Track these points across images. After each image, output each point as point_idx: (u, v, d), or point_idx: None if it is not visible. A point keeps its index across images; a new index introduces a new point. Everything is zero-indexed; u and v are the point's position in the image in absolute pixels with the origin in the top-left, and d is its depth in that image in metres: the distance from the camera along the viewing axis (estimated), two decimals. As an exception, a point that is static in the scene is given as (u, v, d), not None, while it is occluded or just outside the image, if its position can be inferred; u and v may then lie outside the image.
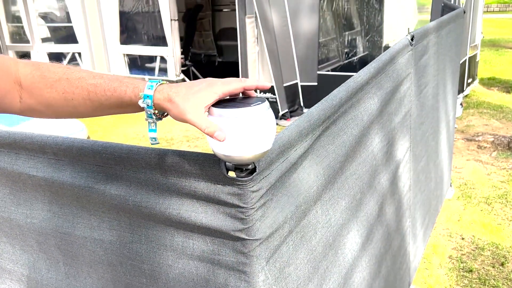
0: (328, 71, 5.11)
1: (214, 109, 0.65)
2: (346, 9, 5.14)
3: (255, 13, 4.56)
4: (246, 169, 0.70)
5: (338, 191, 1.07)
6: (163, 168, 0.77)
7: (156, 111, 0.68)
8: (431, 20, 4.40)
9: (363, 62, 5.49)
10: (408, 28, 1.73)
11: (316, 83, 4.98)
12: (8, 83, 0.72)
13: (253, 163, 0.70)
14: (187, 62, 6.21)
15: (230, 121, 0.64)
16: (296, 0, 4.77)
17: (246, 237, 0.73)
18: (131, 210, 0.83)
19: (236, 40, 4.90)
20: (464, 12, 2.71)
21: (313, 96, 4.97)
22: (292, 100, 4.89)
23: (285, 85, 4.81)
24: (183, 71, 5.79)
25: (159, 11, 5.43)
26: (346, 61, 5.27)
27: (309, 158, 0.90)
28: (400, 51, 1.45)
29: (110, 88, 0.70)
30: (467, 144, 4.08)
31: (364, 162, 1.24)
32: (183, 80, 5.83)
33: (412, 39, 1.57)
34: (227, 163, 0.70)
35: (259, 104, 0.65)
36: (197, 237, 0.79)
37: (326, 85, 4.86)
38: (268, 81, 4.87)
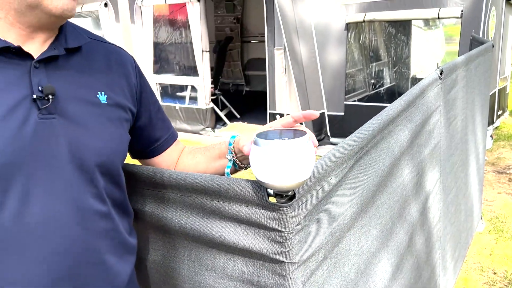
0: (354, 101, 5.17)
1: (259, 140, 0.71)
2: (373, 41, 5.22)
3: (284, 45, 4.69)
4: (286, 196, 0.75)
5: (369, 220, 1.11)
6: (208, 193, 0.83)
7: (235, 154, 0.89)
8: (459, 53, 4.43)
9: (390, 92, 5.52)
10: (438, 63, 1.78)
11: (343, 113, 5.02)
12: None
13: (293, 190, 0.75)
14: (216, 91, 6.38)
15: (273, 151, 0.70)
16: (324, 33, 4.89)
17: (285, 260, 0.78)
18: (176, 231, 0.89)
19: (263, 70, 5.03)
20: (493, 46, 2.74)
21: (339, 125, 5.02)
22: (319, 129, 4.95)
23: (312, 114, 4.87)
24: (212, 100, 5.96)
25: (191, 43, 5.65)
26: (373, 91, 5.31)
27: (343, 187, 0.95)
28: (429, 85, 1.50)
29: (215, 144, 0.98)
30: (498, 176, 4.01)
31: (395, 192, 1.27)
32: (212, 109, 5.98)
33: (441, 73, 1.61)
34: (268, 190, 0.76)
35: (300, 136, 0.71)
36: (237, 259, 0.84)
37: (353, 115, 4.90)
38: (295, 110, 4.95)
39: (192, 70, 5.83)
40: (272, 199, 0.77)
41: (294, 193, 0.76)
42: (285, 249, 0.77)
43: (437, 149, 1.68)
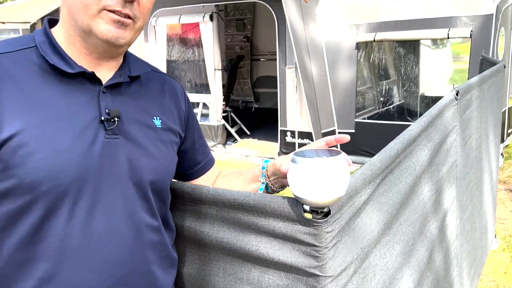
0: (364, 118, 5.21)
1: (297, 158, 0.76)
2: (383, 60, 5.30)
3: (295, 64, 4.77)
4: (322, 212, 0.80)
5: (393, 236, 1.15)
6: (245, 208, 0.88)
7: (268, 177, 0.95)
8: (469, 71, 4.48)
9: (400, 110, 5.56)
10: (453, 84, 1.83)
11: (353, 130, 5.07)
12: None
13: (328, 206, 0.80)
14: (227, 108, 6.46)
15: (312, 169, 0.75)
16: (334, 52, 4.98)
17: (320, 274, 0.82)
18: (212, 245, 0.94)
19: (272, 88, 5.12)
20: (505, 67, 2.79)
21: (350, 142, 5.04)
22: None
23: (323, 131, 4.93)
24: (222, 117, 6.04)
25: (203, 61, 5.76)
26: (383, 109, 5.36)
27: (371, 204, 0.99)
28: (446, 105, 1.55)
29: (249, 168, 1.05)
30: (510, 195, 4.02)
31: (416, 210, 1.31)
32: (223, 126, 6.05)
33: (457, 94, 1.66)
34: (304, 206, 0.80)
35: (336, 155, 0.76)
36: (272, 272, 0.88)
37: (364, 132, 4.94)
38: (306, 127, 5.01)
39: (204, 88, 5.93)
40: (308, 215, 0.81)
41: (329, 210, 0.80)
42: (320, 263, 0.81)
43: (453, 168, 1.71)
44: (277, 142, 5.48)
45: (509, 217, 3.54)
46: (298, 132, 5.10)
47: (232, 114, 6.62)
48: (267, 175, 0.98)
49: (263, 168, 0.99)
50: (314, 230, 0.80)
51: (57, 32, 0.82)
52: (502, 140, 5.23)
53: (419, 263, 1.35)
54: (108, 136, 0.78)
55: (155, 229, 0.85)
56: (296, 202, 0.81)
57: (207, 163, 1.05)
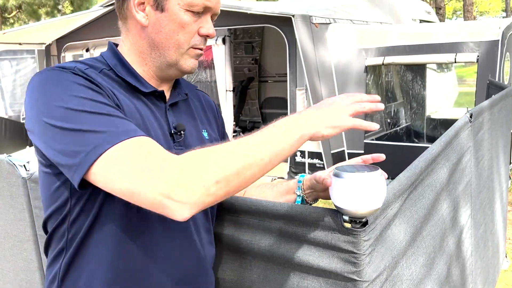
0: (373, 139, 5.31)
1: (341, 173, 0.85)
2: (391, 83, 5.42)
3: (306, 86, 4.90)
4: (360, 222, 0.88)
5: (417, 249, 1.22)
6: (287, 218, 0.96)
7: (304, 190, 1.03)
8: (476, 95, 4.59)
9: (407, 132, 5.65)
10: (467, 108, 1.93)
11: (362, 151, 5.15)
12: None
13: (366, 217, 0.88)
14: (236, 128, 6.59)
15: (354, 182, 0.83)
16: (343, 75, 5.11)
17: (357, 279, 0.90)
18: (254, 253, 1.02)
19: (279, 109, 5.23)
20: (512, 90, 2.89)
21: (359, 163, 5.12)
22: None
23: (332, 152, 5.02)
24: (232, 136, 6.15)
25: (215, 82, 5.91)
26: (391, 130, 5.45)
27: (399, 217, 1.08)
28: (462, 127, 1.64)
29: (283, 181, 1.13)
30: (518, 216, 4.06)
31: (436, 225, 1.39)
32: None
33: (471, 116, 1.76)
34: (344, 216, 0.89)
35: (374, 171, 0.85)
36: (311, 278, 0.96)
37: (372, 153, 5.01)
38: (315, 148, 5.10)
39: (215, 108, 6.07)
40: (347, 225, 0.90)
41: (367, 220, 0.88)
42: (358, 269, 0.89)
43: (468, 186, 1.80)
44: (286, 161, 5.57)
45: (518, 238, 3.58)
46: (308, 152, 5.20)
47: (241, 134, 6.75)
48: (303, 188, 1.07)
49: (299, 182, 1.08)
50: (353, 238, 0.88)
51: (125, 55, 0.93)
52: (510, 162, 5.29)
53: (439, 276, 1.42)
54: (176, 148, 0.88)
55: (208, 230, 0.96)
56: (336, 212, 0.90)
57: None
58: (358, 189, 0.83)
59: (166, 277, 0.88)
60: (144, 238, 0.85)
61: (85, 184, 0.74)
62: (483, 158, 2.07)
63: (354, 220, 0.88)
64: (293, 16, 4.82)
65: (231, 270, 1.08)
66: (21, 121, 7.40)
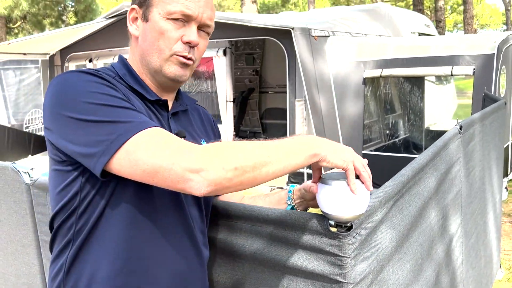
0: (371, 150, 5.36)
1: (326, 180, 0.91)
2: (389, 95, 5.49)
3: (305, 97, 4.97)
4: (345, 226, 0.94)
5: (404, 255, 1.27)
6: (277, 223, 1.01)
7: (294, 200, 1.10)
8: (472, 107, 4.65)
9: (406, 143, 5.71)
10: (457, 119, 1.99)
11: (360, 162, 5.21)
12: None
13: (351, 222, 0.93)
14: (236, 138, 6.65)
15: (338, 189, 0.89)
16: (342, 86, 5.18)
17: (343, 280, 0.95)
18: (246, 256, 1.07)
19: (279, 119, 5.29)
20: (506, 104, 2.95)
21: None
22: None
23: (330, 163, 5.06)
24: (232, 147, 6.21)
25: (216, 92, 6.00)
26: (390, 142, 5.51)
27: (385, 223, 1.13)
28: (451, 138, 1.70)
29: (275, 192, 1.18)
30: (515, 228, 4.09)
31: (424, 232, 1.44)
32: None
33: (461, 128, 1.82)
34: (330, 221, 0.94)
35: (358, 179, 0.91)
36: (300, 280, 1.01)
37: (371, 164, 5.05)
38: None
39: (215, 119, 6.14)
40: (333, 229, 0.95)
41: (352, 225, 0.94)
42: (343, 271, 0.94)
43: (458, 196, 1.84)
44: (286, 172, 5.61)
45: (514, 249, 3.61)
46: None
47: (241, 144, 6.81)
48: (293, 198, 1.13)
49: (289, 192, 1.14)
50: (338, 242, 0.94)
51: (131, 66, 1.02)
52: (506, 174, 5.33)
53: (427, 282, 1.47)
54: None
55: (203, 232, 1.03)
56: (322, 218, 0.95)
57: None
58: (343, 195, 0.89)
59: (166, 270, 0.94)
60: (150, 229, 0.92)
61: (104, 174, 0.83)
62: (474, 169, 2.12)
63: (339, 224, 0.93)
64: (292, 28, 4.91)
65: (224, 272, 1.13)
66: (24, 130, 7.47)
